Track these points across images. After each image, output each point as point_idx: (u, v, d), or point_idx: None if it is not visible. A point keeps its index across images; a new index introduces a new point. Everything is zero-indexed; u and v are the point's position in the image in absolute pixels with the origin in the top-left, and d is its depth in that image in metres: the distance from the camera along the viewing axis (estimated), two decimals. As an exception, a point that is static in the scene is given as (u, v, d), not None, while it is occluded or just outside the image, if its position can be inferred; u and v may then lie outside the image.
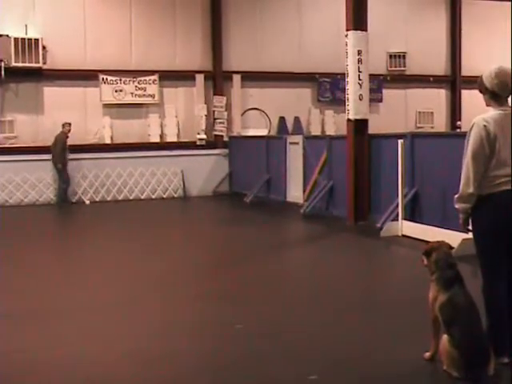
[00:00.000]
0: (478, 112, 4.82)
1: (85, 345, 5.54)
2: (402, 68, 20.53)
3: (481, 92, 4.79)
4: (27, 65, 16.19)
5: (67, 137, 16.19)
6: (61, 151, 16.01)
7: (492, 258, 4.67)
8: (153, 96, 17.87)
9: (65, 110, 16.95)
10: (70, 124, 16.24)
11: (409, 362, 4.92)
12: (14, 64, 16.07)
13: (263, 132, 18.81)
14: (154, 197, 17.17)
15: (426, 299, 4.78)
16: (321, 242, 10.97)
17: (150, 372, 4.87)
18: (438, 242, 5.00)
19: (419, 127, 20.58)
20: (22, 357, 5.23)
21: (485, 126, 4.58)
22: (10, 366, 5.09)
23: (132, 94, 17.66)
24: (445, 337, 4.57)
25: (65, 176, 16.10)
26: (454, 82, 21.30)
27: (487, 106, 4.78)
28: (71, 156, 16.36)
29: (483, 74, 4.75)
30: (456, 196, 4.72)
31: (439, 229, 9.62)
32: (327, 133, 18.81)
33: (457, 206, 4.74)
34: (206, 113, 18.30)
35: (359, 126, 11.96)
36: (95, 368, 5.01)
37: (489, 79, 4.68)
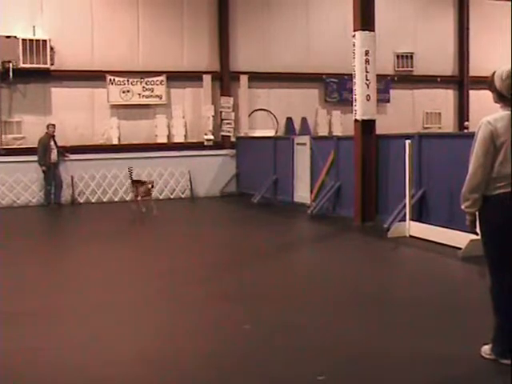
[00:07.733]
0: (485, 112, 4.78)
1: (93, 344, 5.55)
2: (410, 68, 20.50)
3: (490, 90, 4.73)
4: (35, 66, 16.23)
5: (53, 137, 16.02)
6: (42, 153, 15.81)
7: (500, 258, 4.65)
8: (160, 97, 17.90)
9: (72, 110, 17.02)
10: (54, 125, 16.10)
11: (418, 361, 4.91)
12: (21, 65, 16.11)
13: (270, 133, 18.81)
14: (161, 197, 17.18)
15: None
16: (328, 242, 10.96)
17: (157, 372, 4.87)
18: None
19: (427, 128, 20.54)
20: (24, 356, 5.24)
21: (490, 126, 4.55)
22: (14, 365, 5.08)
23: (139, 94, 17.68)
24: None
25: (50, 178, 15.91)
26: (461, 82, 21.24)
27: (495, 102, 4.74)
28: (79, 157, 16.42)
29: (496, 72, 4.67)
30: (462, 197, 4.69)
31: (447, 229, 9.61)
32: (334, 133, 18.77)
33: (463, 208, 4.72)
34: (213, 113, 18.32)
35: (366, 126, 11.95)
36: (103, 368, 5.01)
37: (499, 79, 4.62)
